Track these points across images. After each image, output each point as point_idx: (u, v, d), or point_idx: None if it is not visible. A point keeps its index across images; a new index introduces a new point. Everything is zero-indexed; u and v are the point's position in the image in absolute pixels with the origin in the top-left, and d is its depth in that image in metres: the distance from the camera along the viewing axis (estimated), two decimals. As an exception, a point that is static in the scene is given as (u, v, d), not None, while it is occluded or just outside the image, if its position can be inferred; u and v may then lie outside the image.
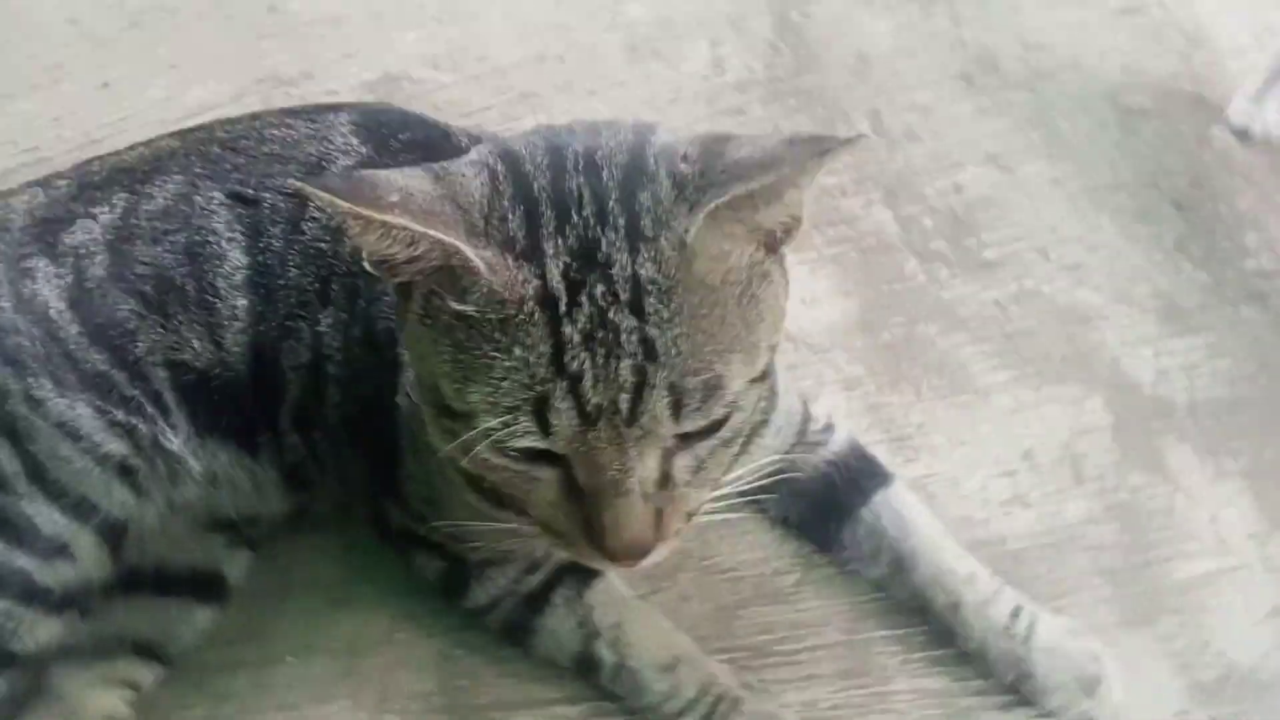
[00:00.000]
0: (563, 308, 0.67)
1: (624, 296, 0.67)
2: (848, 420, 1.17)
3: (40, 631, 0.93)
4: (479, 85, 1.44)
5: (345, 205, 0.66)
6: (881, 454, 1.14)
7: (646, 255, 0.68)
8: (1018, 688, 0.99)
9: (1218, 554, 1.09)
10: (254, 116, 1.07)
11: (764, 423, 0.95)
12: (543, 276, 0.67)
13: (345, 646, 1.03)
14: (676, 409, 0.68)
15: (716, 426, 0.72)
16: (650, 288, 0.67)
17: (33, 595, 0.92)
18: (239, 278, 0.96)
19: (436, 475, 0.92)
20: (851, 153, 1.37)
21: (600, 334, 0.67)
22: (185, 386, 0.96)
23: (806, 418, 1.08)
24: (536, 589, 0.98)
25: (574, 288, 0.67)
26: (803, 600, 1.06)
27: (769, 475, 1.01)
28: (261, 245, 0.97)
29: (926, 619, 1.03)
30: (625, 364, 0.67)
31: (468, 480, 0.88)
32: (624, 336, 0.67)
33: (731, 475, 0.81)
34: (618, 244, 0.68)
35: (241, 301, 0.96)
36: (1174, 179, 1.37)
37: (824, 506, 1.07)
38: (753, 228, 0.71)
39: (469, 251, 0.66)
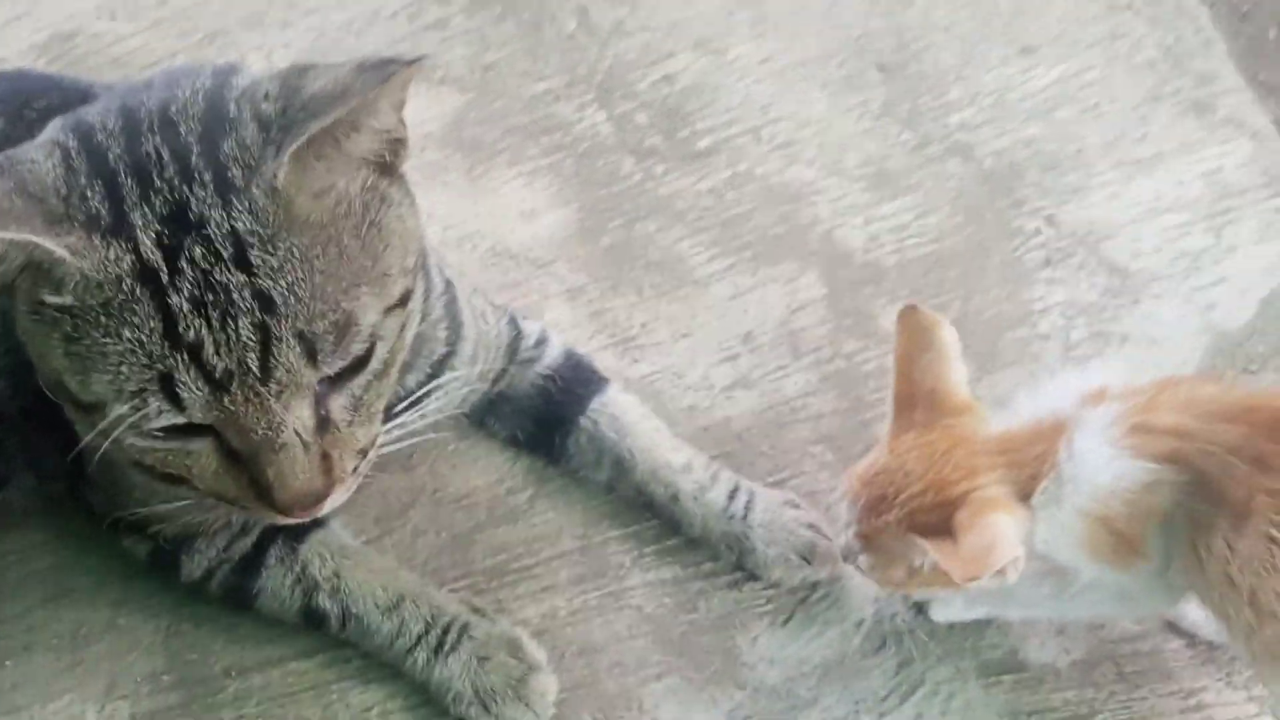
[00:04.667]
0: (164, 278, 0.65)
1: (226, 253, 0.65)
2: (574, 329, 1.18)
3: None
4: (161, 31, 1.36)
5: None
6: (608, 357, 1.16)
7: (240, 207, 0.66)
8: (743, 564, 1.03)
9: (930, 405, 1.14)
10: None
11: (451, 353, 0.95)
12: (136, 250, 0.65)
13: (67, 640, 1.01)
14: (311, 355, 0.68)
15: (362, 363, 0.71)
16: (251, 239, 0.66)
17: None
18: None
19: (107, 460, 0.89)
20: (561, 54, 1.39)
21: (210, 297, 0.65)
22: None
23: (518, 335, 1.08)
24: (249, 552, 0.98)
25: (171, 255, 0.65)
26: (537, 515, 1.08)
27: (481, 397, 1.03)
28: None
29: (653, 513, 1.06)
30: (244, 322, 0.66)
31: (132, 462, 0.86)
32: (235, 294, 0.65)
33: (417, 407, 0.83)
34: (208, 200, 0.66)
35: (-120, 307, 0.91)
36: (878, 42, 1.39)
37: (546, 420, 1.08)
38: (347, 159, 0.69)
39: (48, 243, 0.63)
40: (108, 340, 0.66)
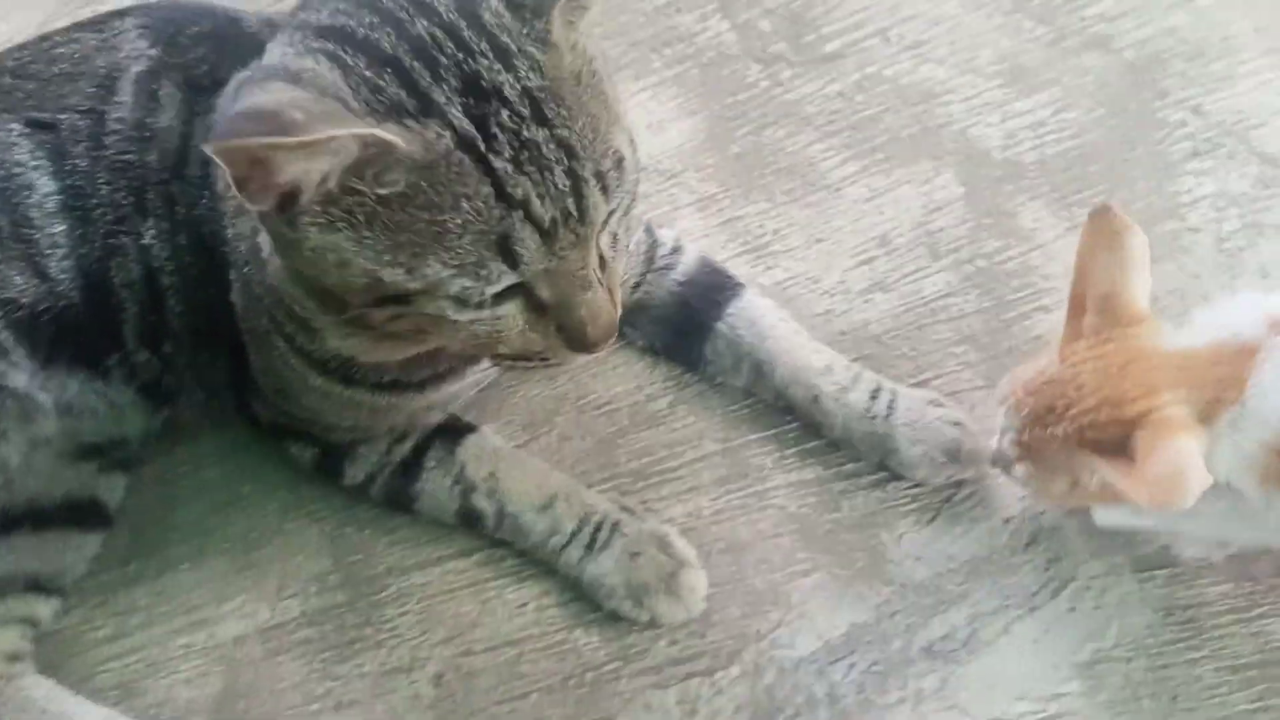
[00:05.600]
0: (482, 145, 0.68)
1: (526, 112, 0.68)
2: (705, 238, 1.18)
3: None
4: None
5: (291, 141, 0.63)
6: (741, 265, 1.16)
7: (524, 67, 0.69)
8: (887, 464, 1.02)
9: (1075, 302, 1.11)
10: (41, 38, 1.04)
11: None
12: (450, 125, 0.68)
13: (238, 544, 1.06)
14: (605, 193, 0.72)
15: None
16: (542, 94, 0.69)
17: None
18: (51, 204, 0.95)
19: (281, 366, 0.93)
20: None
21: (525, 154, 0.68)
22: (18, 323, 0.95)
23: (654, 244, 1.09)
24: (409, 456, 1.01)
25: (481, 123, 0.68)
26: (677, 419, 1.09)
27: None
28: (68, 168, 0.95)
29: (794, 415, 1.06)
30: (558, 170, 0.69)
31: (310, 363, 0.90)
32: (544, 148, 0.69)
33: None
34: (494, 68, 0.69)
35: (58, 228, 0.95)
36: (1008, -65, 1.34)
37: (683, 327, 1.08)
38: (584, 13, 0.73)
39: (382, 133, 0.66)
40: (445, 216, 0.68)
